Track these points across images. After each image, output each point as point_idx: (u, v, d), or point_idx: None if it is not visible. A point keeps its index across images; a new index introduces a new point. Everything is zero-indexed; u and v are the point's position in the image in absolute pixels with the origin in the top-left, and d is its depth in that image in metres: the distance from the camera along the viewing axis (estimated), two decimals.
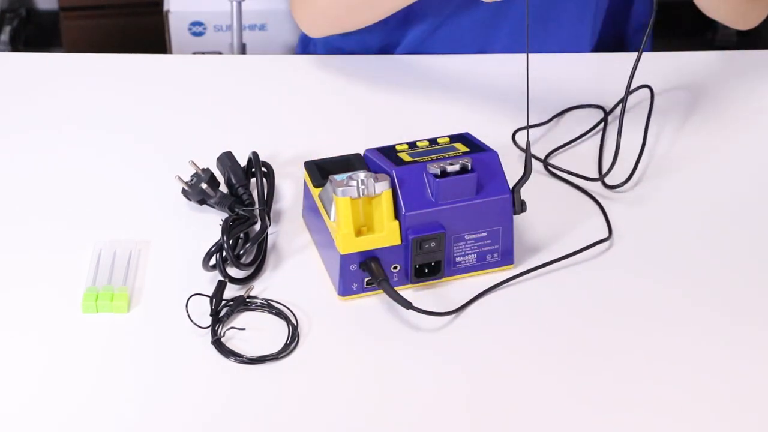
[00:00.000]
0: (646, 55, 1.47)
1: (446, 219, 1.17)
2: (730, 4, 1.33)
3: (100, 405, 1.09)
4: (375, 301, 1.19)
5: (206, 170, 1.28)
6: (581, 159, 1.33)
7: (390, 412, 1.09)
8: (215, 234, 1.20)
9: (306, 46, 1.64)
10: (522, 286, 1.21)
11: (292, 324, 1.16)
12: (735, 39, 2.62)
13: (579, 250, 1.21)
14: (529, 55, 1.18)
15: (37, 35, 2.56)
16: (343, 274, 1.18)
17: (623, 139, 1.32)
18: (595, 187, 1.31)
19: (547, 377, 1.13)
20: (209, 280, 1.20)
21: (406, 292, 1.19)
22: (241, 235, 1.22)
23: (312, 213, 1.24)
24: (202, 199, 1.28)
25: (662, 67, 1.50)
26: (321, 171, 1.22)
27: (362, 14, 1.36)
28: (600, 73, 1.49)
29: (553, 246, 1.24)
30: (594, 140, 1.35)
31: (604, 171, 1.30)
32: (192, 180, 1.27)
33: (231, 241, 1.18)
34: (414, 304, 1.15)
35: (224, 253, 1.18)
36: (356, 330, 1.17)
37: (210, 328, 1.15)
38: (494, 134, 1.30)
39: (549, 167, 1.29)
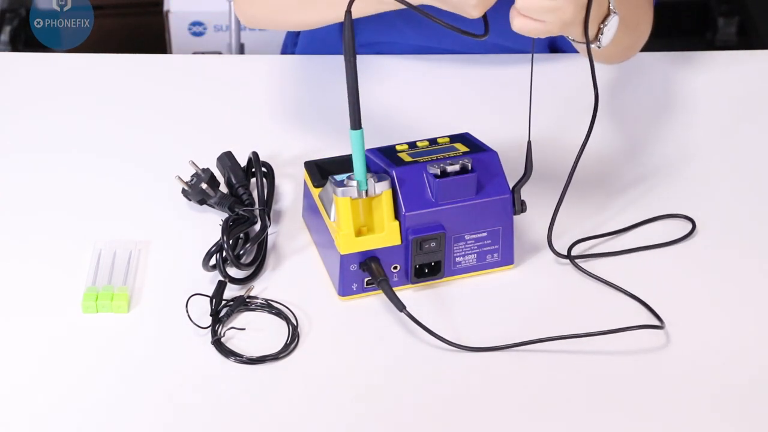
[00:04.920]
0: (647, 55, 1.48)
1: (446, 219, 1.17)
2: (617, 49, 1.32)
3: (100, 405, 1.09)
4: (375, 302, 1.18)
5: (206, 170, 1.27)
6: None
7: (390, 412, 1.09)
8: (215, 234, 1.20)
9: (287, 47, 1.64)
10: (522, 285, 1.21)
11: (292, 324, 1.15)
12: (735, 39, 2.62)
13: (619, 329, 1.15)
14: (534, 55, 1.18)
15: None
16: (343, 274, 1.17)
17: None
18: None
19: (543, 374, 1.13)
20: (209, 280, 1.19)
21: (406, 292, 1.18)
22: (241, 235, 1.21)
23: (312, 213, 1.23)
24: (202, 199, 1.27)
25: (662, 67, 1.49)
26: (321, 171, 1.21)
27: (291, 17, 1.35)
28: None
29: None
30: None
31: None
32: (192, 180, 1.27)
33: (231, 241, 1.18)
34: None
35: (224, 253, 1.17)
36: (356, 330, 1.16)
37: (210, 328, 1.14)
38: (494, 134, 1.28)
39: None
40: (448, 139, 1.21)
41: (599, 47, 1.19)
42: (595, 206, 1.30)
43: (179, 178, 1.27)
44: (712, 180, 1.34)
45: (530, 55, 1.16)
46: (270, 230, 1.24)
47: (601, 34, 1.18)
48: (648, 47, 1.42)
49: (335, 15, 1.27)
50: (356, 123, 1.12)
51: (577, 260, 1.22)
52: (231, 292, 1.19)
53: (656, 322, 1.16)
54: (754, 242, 1.27)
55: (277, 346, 1.13)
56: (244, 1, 1.36)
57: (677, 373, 1.13)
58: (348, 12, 1.10)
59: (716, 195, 1.32)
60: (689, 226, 1.27)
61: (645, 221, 1.28)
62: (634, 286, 1.20)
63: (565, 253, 1.23)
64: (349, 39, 1.10)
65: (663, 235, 1.26)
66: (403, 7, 1.13)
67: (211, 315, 1.15)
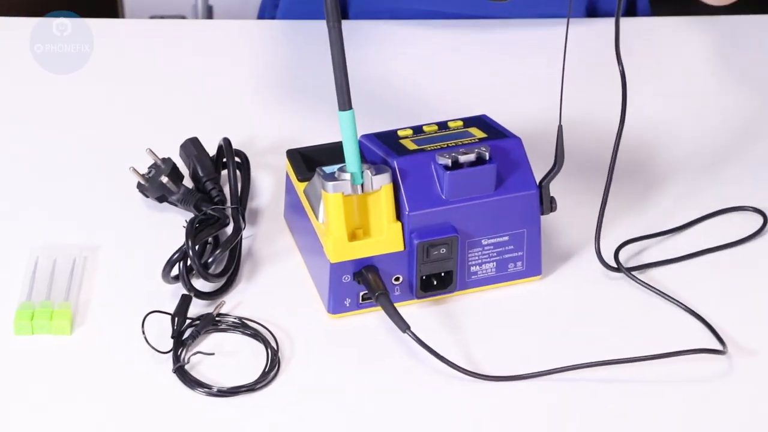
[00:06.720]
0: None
1: (459, 220, 1.12)
2: None
3: None
4: (372, 320, 1.13)
5: (167, 160, 1.23)
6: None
7: None
8: (178, 238, 1.14)
9: (265, 10, 1.63)
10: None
11: (272, 348, 1.10)
12: None
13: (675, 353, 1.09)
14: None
15: None
16: (334, 287, 1.12)
17: None
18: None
19: (576, 408, 1.06)
20: (171, 295, 1.14)
21: (410, 308, 1.13)
22: (210, 239, 1.18)
23: (296, 212, 1.19)
24: (163, 196, 1.23)
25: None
26: (306, 161, 1.18)
27: None
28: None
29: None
30: None
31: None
32: (150, 172, 1.23)
33: (197, 247, 1.14)
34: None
35: (189, 262, 1.13)
36: (349, 355, 1.11)
37: (171, 353, 1.09)
38: (518, 117, 1.25)
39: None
40: (461, 123, 1.17)
41: None
42: (640, 202, 1.25)
43: (134, 170, 1.22)
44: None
45: (561, 20, 1.13)
46: (245, 233, 1.20)
47: None
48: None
49: None
50: (345, 103, 1.07)
51: (633, 272, 1.16)
52: (197, 308, 1.13)
53: (717, 346, 1.10)
54: None
55: (253, 375, 1.08)
56: None
57: (740, 407, 1.06)
58: None
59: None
60: (760, 220, 1.23)
61: (704, 217, 1.23)
62: (693, 297, 1.15)
63: (614, 264, 1.17)
64: None
65: (727, 234, 1.22)
66: None
67: (172, 337, 1.10)
